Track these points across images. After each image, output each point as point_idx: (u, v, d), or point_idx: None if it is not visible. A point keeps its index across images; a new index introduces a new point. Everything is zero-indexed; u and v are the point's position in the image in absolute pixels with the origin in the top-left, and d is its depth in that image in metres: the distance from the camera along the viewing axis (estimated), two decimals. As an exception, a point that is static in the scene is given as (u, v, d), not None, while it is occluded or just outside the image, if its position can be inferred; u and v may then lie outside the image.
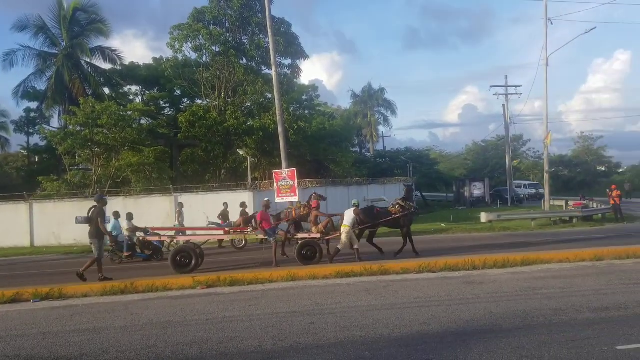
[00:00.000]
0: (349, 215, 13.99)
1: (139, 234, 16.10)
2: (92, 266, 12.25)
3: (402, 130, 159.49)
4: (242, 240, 19.87)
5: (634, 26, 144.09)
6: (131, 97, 35.88)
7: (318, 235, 14.42)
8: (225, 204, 21.85)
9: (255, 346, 6.39)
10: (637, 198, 45.55)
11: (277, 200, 23.98)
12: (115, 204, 24.90)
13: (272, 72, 24.59)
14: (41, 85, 34.46)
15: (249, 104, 32.74)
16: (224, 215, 21.33)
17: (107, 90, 34.98)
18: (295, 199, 23.69)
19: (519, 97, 45.59)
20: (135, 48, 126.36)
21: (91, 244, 12.39)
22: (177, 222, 20.53)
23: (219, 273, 11.44)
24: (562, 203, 30.33)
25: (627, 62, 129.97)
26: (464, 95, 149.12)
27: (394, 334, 6.65)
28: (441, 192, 56.92)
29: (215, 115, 29.31)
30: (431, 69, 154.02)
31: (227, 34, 31.55)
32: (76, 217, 13.17)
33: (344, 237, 13.78)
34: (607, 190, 26.70)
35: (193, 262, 13.09)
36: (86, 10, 33.60)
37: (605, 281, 9.65)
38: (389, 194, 36.80)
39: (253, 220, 15.95)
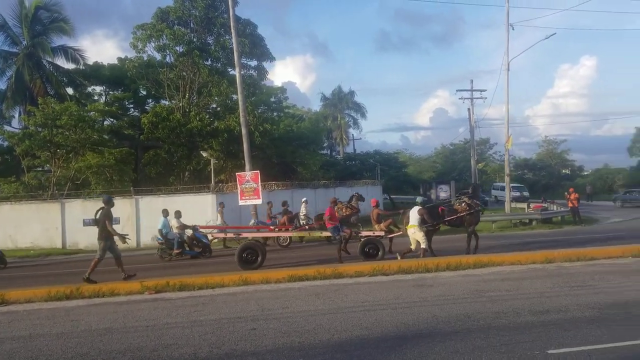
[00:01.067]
0: (414, 215, 13.53)
1: (188, 231, 17.00)
2: (96, 267, 11.95)
3: (374, 133, 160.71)
4: (286, 238, 20.01)
5: (600, 33, 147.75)
6: (95, 98, 35.17)
7: (382, 233, 14.63)
8: (270, 203, 22.90)
9: (189, 354, 6.25)
10: (598, 201, 46.63)
11: (240, 203, 23.76)
12: (74, 206, 24.44)
13: (236, 73, 24.37)
14: (1, 85, 33.61)
15: (214, 106, 32.41)
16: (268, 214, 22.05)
17: (70, 91, 34.19)
18: (259, 201, 23.44)
19: (484, 101, 46.23)
20: (106, 48, 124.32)
21: (99, 245, 12.02)
22: (220, 222, 20.54)
23: (169, 278, 11.21)
24: (524, 205, 30.83)
25: (592, 68, 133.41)
26: (435, 98, 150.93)
27: (333, 339, 6.59)
28: (409, 195, 57.36)
29: (179, 117, 28.90)
30: (403, 72, 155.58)
31: (192, 35, 31.19)
32: (83, 220, 13.07)
33: (418, 237, 13.31)
34: (566, 193, 27.21)
35: (259, 258, 13.54)
36: (48, 8, 32.84)
37: (552, 284, 9.77)
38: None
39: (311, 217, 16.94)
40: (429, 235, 14.09)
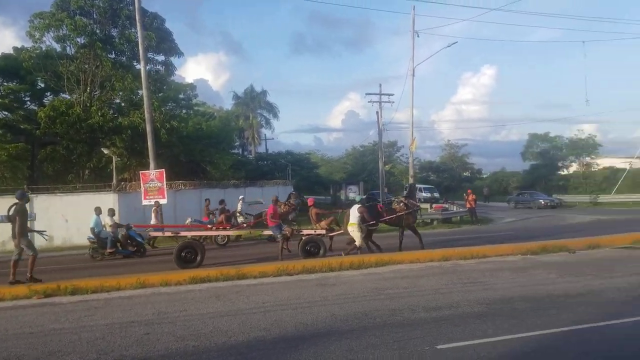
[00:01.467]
0: (354, 213, 13.82)
1: (121, 230, 16.54)
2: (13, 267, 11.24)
3: (288, 134, 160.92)
4: (224, 237, 19.59)
5: (500, 43, 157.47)
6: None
7: (323, 232, 14.64)
8: (207, 200, 23.29)
9: (74, 362, 5.87)
10: (494, 202, 49.58)
11: (144, 202, 22.90)
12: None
13: (141, 67, 23.45)
14: None
15: (118, 101, 30.98)
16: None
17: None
18: (164, 201, 22.74)
19: (391, 105, 47.73)
20: (3, 37, 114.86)
21: (20, 244, 11.15)
22: (154, 221, 19.85)
23: (60, 281, 10.53)
24: (427, 206, 32.11)
25: (493, 77, 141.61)
26: (347, 101, 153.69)
27: (229, 342, 6.45)
28: (320, 195, 58.05)
29: (79, 111, 27.32)
30: (317, 74, 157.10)
31: (95, 26, 29.56)
32: None
33: (356, 235, 13.67)
34: (464, 195, 28.66)
35: (199, 257, 13.38)
36: None
37: (446, 281, 10.19)
38: (267, 197, 36.73)
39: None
40: (369, 233, 14.56)
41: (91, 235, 16.94)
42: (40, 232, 12.75)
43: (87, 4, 28.68)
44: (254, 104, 63.70)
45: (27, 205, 11.95)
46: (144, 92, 23.40)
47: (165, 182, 22.70)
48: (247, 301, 8.89)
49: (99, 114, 27.36)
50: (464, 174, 67.99)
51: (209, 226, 17.98)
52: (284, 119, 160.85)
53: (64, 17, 28.07)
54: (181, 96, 39.82)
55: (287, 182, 45.53)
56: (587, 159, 57.02)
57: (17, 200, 11.38)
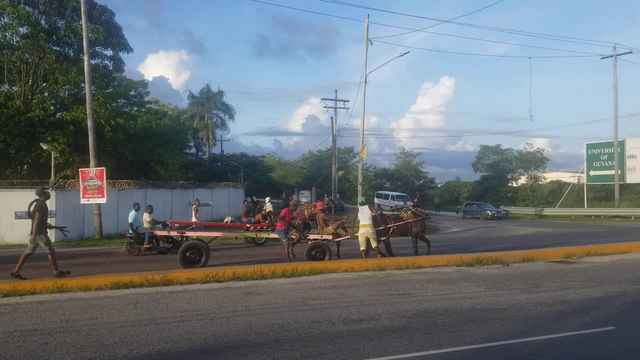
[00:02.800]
0: (366, 214, 13.90)
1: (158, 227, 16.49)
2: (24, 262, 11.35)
3: (249, 136, 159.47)
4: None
5: (459, 56, 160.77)
6: None
7: (329, 237, 14.45)
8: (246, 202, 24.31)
9: (-50, 376, 5.41)
10: (445, 211, 50.32)
11: (82, 201, 22.08)
12: None
13: (84, 61, 22.65)
14: None
15: (62, 95, 29.86)
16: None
17: None
18: (103, 200, 22.01)
19: (347, 111, 47.84)
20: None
21: (37, 240, 11.40)
22: (194, 219, 20.23)
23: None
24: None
25: (450, 88, 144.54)
26: (308, 105, 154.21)
27: (131, 354, 6.10)
28: (275, 199, 57.62)
29: (19, 104, 26.18)
30: (279, 78, 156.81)
31: (40, 16, 28.45)
32: (15, 212, 12.61)
33: (373, 235, 13.81)
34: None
35: (203, 258, 13.42)
36: None
37: (376, 291, 10.07)
38: (216, 199, 36.15)
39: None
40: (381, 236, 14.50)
41: (129, 230, 17.32)
42: (61, 229, 13.26)
43: (32, -8, 27.57)
44: (210, 104, 62.86)
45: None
46: (86, 86, 22.65)
47: (105, 181, 21.95)
48: (165, 310, 8.53)
49: (40, 107, 26.29)
50: (418, 182, 68.79)
51: (247, 225, 17.83)
52: (245, 121, 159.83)
53: (5, 5, 26.87)
54: (132, 93, 38.88)
55: (238, 185, 45.04)
56: (535, 172, 58.69)
57: (37, 197, 11.62)
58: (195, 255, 13.57)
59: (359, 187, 29.49)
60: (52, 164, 25.64)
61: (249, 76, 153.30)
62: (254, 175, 52.37)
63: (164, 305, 8.88)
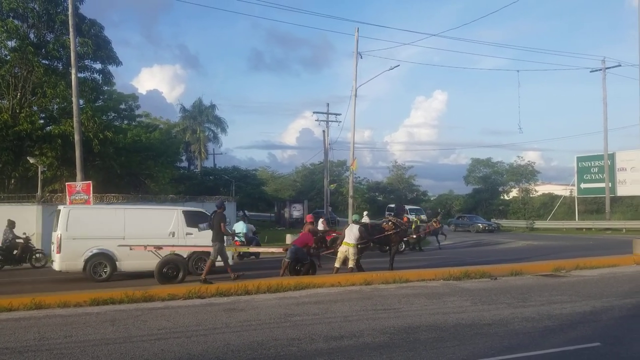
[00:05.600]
0: (353, 233, 13.79)
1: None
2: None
3: (242, 149, 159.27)
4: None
5: (450, 69, 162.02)
6: None
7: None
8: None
9: None
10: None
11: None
12: None
13: (72, 74, 22.54)
14: None
15: (50, 108, 29.70)
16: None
17: None
18: (90, 214, 21.73)
19: (339, 124, 47.71)
20: None
21: (213, 246, 12.90)
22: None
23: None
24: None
25: (443, 102, 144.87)
26: (302, 119, 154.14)
27: (100, 375, 5.90)
28: (265, 213, 57.41)
29: (6, 117, 26.00)
30: (274, 91, 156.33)
31: (29, 30, 28.39)
32: (199, 225, 13.86)
33: (354, 256, 13.75)
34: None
35: (181, 274, 13.33)
36: None
37: (360, 307, 9.90)
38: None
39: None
40: (359, 252, 14.41)
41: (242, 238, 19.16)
42: (236, 235, 14.95)
43: (20, 6, 27.46)
44: (202, 118, 62.77)
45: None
46: (73, 99, 22.50)
47: (92, 195, 21.71)
48: (143, 327, 8.32)
49: (28, 121, 26.12)
50: (411, 195, 68.78)
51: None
52: (240, 135, 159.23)
53: (-6, 19, 26.82)
54: (123, 106, 38.73)
55: (230, 199, 44.77)
56: (526, 185, 58.81)
57: (216, 209, 13.18)
58: (172, 270, 13.33)
59: (350, 200, 29.38)
60: (40, 178, 25.40)
61: (243, 90, 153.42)
62: (246, 189, 52.14)
63: (142, 322, 8.68)
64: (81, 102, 26.41)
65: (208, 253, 13.39)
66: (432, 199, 73.60)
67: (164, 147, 38.19)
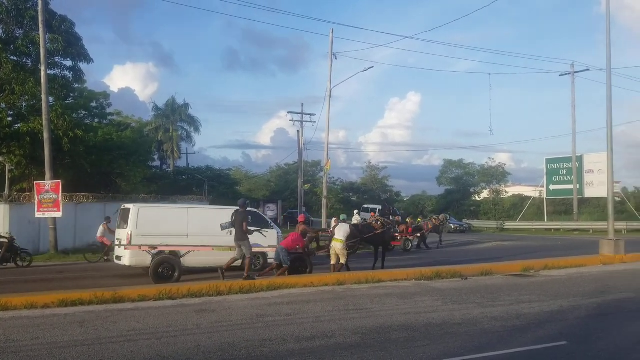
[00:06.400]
0: (343, 230, 14.23)
1: None
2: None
3: (216, 149, 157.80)
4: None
5: (424, 72, 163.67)
6: None
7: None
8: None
9: None
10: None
11: (38, 215, 21.39)
12: None
13: (41, 70, 22.10)
14: None
15: (18, 105, 28.99)
16: None
17: None
18: (58, 214, 21.36)
19: (313, 124, 47.58)
20: None
21: (239, 246, 13.09)
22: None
23: None
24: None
25: (417, 103, 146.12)
26: (278, 119, 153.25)
27: (68, 378, 5.80)
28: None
29: (-28, 114, 25.32)
30: (249, 91, 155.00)
31: (-2, 25, 27.68)
32: (221, 224, 13.70)
33: (343, 252, 14.10)
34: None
35: (176, 274, 13.45)
36: None
37: (332, 307, 9.93)
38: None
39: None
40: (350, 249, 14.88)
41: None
42: (260, 232, 14.38)
43: (-12, 2, 26.79)
44: (175, 117, 61.96)
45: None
46: (43, 96, 22.08)
47: (61, 194, 21.32)
48: (112, 329, 8.20)
49: (-5, 118, 25.48)
50: (384, 195, 69.18)
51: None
52: (214, 134, 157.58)
53: (-40, 14, 26.09)
54: (94, 104, 38.05)
55: (203, 198, 44.41)
56: (497, 186, 59.77)
57: (238, 208, 13.38)
58: (168, 270, 13.48)
59: (324, 201, 29.45)
60: (7, 177, 24.81)
61: (218, 89, 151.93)
62: (220, 188, 51.81)
63: (111, 323, 8.55)
64: (51, 99, 25.87)
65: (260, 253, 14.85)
66: (405, 199, 74.10)
67: (135, 146, 37.64)
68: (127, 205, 15.22)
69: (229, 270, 13.23)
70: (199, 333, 7.89)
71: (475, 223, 47.72)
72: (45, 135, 21.78)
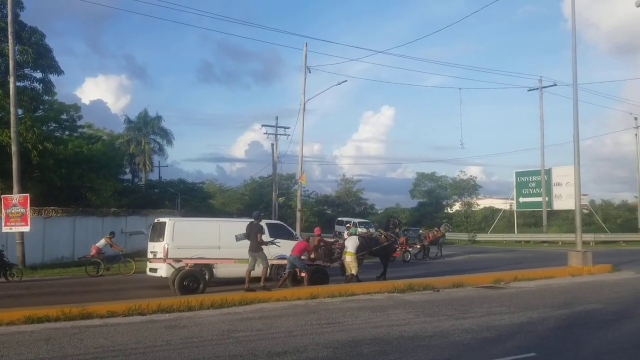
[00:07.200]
0: (353, 242, 14.98)
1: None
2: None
3: (190, 162, 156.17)
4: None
5: (397, 86, 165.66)
6: None
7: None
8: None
9: None
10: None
11: (5, 229, 20.88)
12: None
13: (10, 82, 21.71)
14: None
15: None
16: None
17: None
18: (26, 229, 20.90)
19: (287, 137, 47.52)
20: None
21: (253, 257, 13.30)
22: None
23: None
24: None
25: (390, 117, 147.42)
26: (252, 132, 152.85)
27: (32, 398, 5.66)
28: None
29: (-62, 127, 24.67)
30: (224, 104, 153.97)
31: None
32: (235, 235, 13.82)
33: (354, 264, 14.85)
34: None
35: (201, 286, 13.78)
36: None
37: (305, 321, 9.90)
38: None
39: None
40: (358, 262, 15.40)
41: None
42: (272, 242, 14.40)
43: (-46, 14, 26.24)
44: (147, 129, 61.26)
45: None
46: (11, 109, 21.68)
47: (29, 208, 20.87)
48: (79, 346, 8.02)
49: (-39, 131, 24.87)
50: (359, 208, 69.53)
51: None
52: (188, 147, 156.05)
53: None
54: (64, 117, 37.44)
55: (175, 212, 43.89)
56: (469, 198, 60.61)
57: (253, 220, 13.70)
58: (193, 283, 13.80)
59: (298, 214, 29.43)
60: (-29, 191, 24.16)
61: (192, 102, 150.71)
62: (193, 202, 51.29)
63: (78, 340, 8.37)
64: (20, 111, 25.38)
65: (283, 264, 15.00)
66: (379, 212, 74.45)
67: (106, 159, 37.11)
68: (162, 219, 15.83)
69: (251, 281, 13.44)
70: (169, 349, 7.78)
71: (447, 235, 48.07)
72: (14, 148, 21.36)
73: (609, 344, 8.20)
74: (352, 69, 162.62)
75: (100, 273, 19.76)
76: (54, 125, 36.27)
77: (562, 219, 50.12)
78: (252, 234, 13.30)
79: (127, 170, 57.93)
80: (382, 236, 16.99)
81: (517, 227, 48.77)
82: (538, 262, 23.82)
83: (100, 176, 34.83)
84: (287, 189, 70.27)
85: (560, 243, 40.60)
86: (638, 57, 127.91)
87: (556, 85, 44.45)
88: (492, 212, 56.77)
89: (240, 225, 16.41)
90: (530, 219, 52.34)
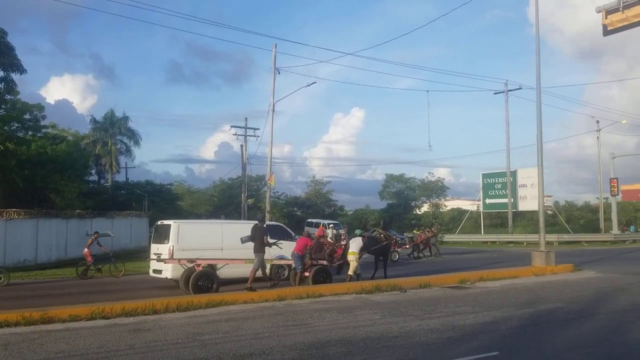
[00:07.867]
0: (357, 243, 15.75)
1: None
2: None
3: (158, 163, 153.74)
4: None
5: (367, 88, 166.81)
6: None
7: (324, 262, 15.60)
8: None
9: None
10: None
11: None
12: None
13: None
14: None
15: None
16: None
17: None
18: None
19: (257, 139, 47.21)
20: None
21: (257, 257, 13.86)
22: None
23: None
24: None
25: (360, 119, 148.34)
26: (222, 133, 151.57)
27: (-13, 406, 5.49)
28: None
29: None
30: (193, 105, 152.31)
31: None
32: (241, 238, 14.32)
33: (354, 263, 15.46)
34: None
35: (215, 285, 13.78)
36: None
37: (272, 323, 9.87)
38: (117, 229, 34.37)
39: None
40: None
41: None
42: (276, 244, 14.75)
43: None
44: (114, 130, 60.14)
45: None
46: (-30, 109, 20.95)
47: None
48: (39, 351, 7.82)
49: None
50: (328, 210, 69.55)
51: None
52: (156, 148, 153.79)
53: None
54: (27, 117, 36.46)
55: (142, 214, 43.23)
56: (437, 200, 61.36)
57: (257, 222, 14.50)
58: (207, 282, 13.78)
59: (268, 215, 29.29)
60: None
61: (161, 103, 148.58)
62: (160, 203, 50.59)
63: (38, 346, 8.16)
64: (-21, 111, 24.67)
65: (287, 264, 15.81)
66: (349, 213, 74.65)
67: (71, 160, 36.27)
68: (166, 222, 16.13)
69: (256, 281, 13.83)
70: (132, 354, 7.65)
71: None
72: (-28, 149, 20.65)
73: (569, 342, 8.40)
74: (323, 71, 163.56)
75: (90, 275, 19.59)
76: (17, 125, 35.22)
77: (527, 220, 51.13)
78: (258, 235, 13.91)
79: (93, 171, 56.82)
80: (382, 235, 17.58)
81: (483, 227, 49.56)
82: (504, 262, 24.23)
83: (64, 177, 34.03)
84: (257, 191, 69.91)
85: (525, 243, 41.35)
86: (600, 61, 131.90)
87: (521, 88, 45.39)
88: (460, 213, 57.56)
89: (241, 227, 17.03)
90: (497, 220, 53.25)
